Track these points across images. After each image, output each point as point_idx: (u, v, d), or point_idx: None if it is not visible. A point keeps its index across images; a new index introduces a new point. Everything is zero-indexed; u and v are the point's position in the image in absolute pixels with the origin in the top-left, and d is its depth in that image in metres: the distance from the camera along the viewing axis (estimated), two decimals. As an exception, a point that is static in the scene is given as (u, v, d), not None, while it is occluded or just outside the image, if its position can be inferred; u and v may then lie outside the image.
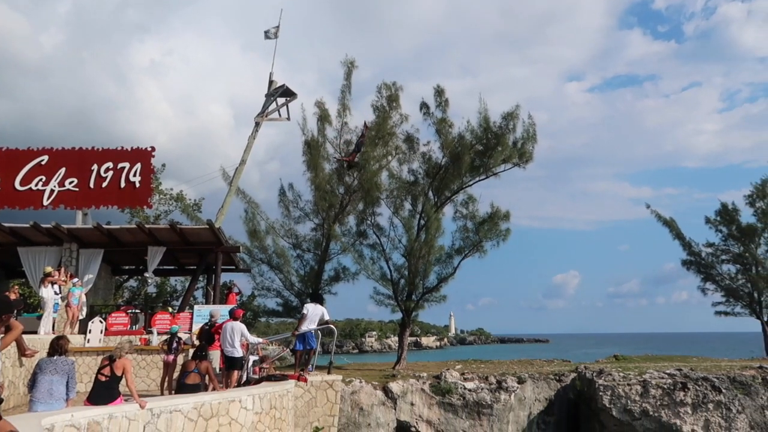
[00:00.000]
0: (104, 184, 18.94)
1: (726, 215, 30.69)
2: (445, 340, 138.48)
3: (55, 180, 18.79)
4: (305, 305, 13.93)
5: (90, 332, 15.44)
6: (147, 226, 18.42)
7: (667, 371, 20.24)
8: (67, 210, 19.13)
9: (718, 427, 18.60)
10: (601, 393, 19.60)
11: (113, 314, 17.09)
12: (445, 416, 19.84)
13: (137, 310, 18.90)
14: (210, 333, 12.68)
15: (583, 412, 21.19)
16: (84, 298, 16.46)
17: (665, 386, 19.29)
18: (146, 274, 19.38)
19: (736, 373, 20.26)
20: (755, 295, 29.79)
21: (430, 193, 24.69)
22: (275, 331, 24.90)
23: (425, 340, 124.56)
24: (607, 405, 19.36)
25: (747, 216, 30.23)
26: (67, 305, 15.49)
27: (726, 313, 31.21)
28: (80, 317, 16.21)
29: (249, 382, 12.02)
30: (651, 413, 18.88)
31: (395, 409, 19.43)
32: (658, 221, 31.75)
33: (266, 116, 23.01)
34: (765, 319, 29.66)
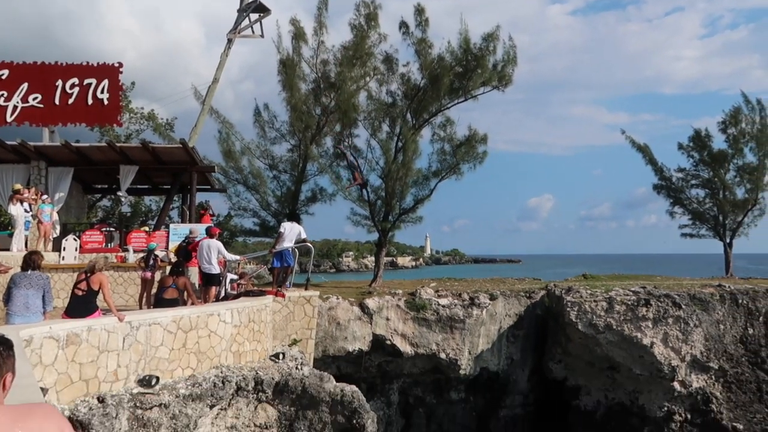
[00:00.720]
0: (70, 101, 18.26)
1: (698, 141, 31.10)
2: (421, 260, 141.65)
3: (18, 95, 18.03)
4: (282, 224, 14.02)
5: (64, 249, 15.38)
6: (118, 144, 17.98)
7: (632, 289, 21.13)
8: (33, 127, 18.52)
9: (675, 339, 19.69)
10: (568, 309, 20.46)
11: (87, 232, 16.98)
12: (419, 330, 20.60)
13: (111, 229, 18.80)
14: (187, 250, 12.74)
15: (550, 326, 22.19)
16: (56, 216, 16.27)
17: (629, 302, 20.19)
18: (119, 193, 19.15)
19: (696, 291, 21.25)
20: (720, 218, 30.79)
21: (408, 115, 24.37)
22: (252, 251, 25.10)
23: (401, 260, 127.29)
24: (574, 320, 20.27)
25: (719, 142, 30.71)
26: (39, 222, 15.33)
27: (692, 236, 32.34)
28: (54, 235, 16.08)
29: (227, 298, 12.24)
30: (614, 327, 19.86)
31: (371, 324, 20.08)
32: (632, 147, 32.08)
33: (239, 33, 22.07)
34: (727, 240, 30.83)
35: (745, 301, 21.41)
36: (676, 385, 19.73)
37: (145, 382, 8.66)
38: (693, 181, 31.69)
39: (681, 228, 32.59)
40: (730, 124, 30.33)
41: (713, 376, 20.24)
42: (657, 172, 32.11)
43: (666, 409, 19.96)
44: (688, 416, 19.83)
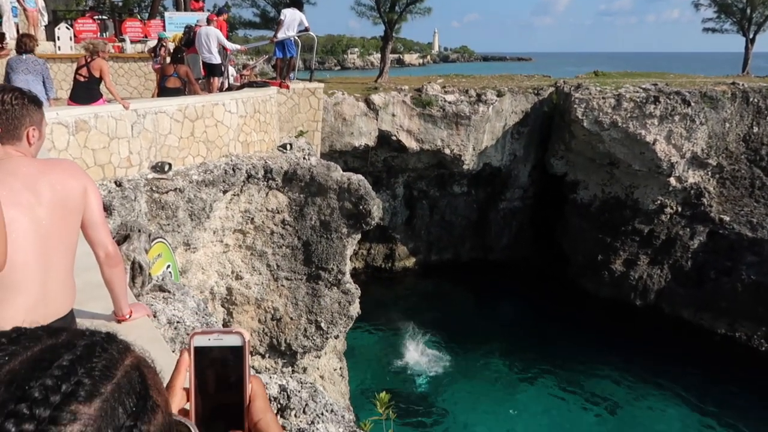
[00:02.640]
0: None
1: None
2: (428, 57, 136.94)
3: None
4: (283, 11, 13.26)
5: (59, 39, 14.82)
6: None
7: (643, 86, 20.66)
8: None
9: (679, 137, 19.82)
10: (575, 106, 20.28)
11: (79, 20, 16.19)
12: (425, 126, 20.72)
13: (104, 17, 17.90)
14: (190, 39, 12.29)
15: (556, 123, 22.22)
16: (41, 2, 15.38)
17: (638, 99, 19.91)
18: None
19: (708, 89, 20.78)
20: (748, 11, 28.89)
21: None
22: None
23: (408, 58, 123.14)
24: (580, 117, 20.21)
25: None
26: (24, 10, 14.54)
27: (714, 30, 30.74)
28: (42, 23, 15.36)
29: (231, 89, 12.10)
30: (619, 124, 19.87)
31: (377, 120, 20.13)
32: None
33: None
34: (750, 36, 29.31)
35: (756, 100, 21.06)
36: (672, 180, 20.35)
37: (159, 168, 8.97)
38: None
39: (704, 22, 30.91)
40: None
41: (710, 173, 20.78)
42: (689, -41, 29.34)
43: (659, 202, 20.88)
44: (679, 209, 20.81)
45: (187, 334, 4.92)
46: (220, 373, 0.94)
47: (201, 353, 0.93)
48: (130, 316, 3.24)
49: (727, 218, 20.11)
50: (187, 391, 0.94)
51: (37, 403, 0.61)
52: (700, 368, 17.62)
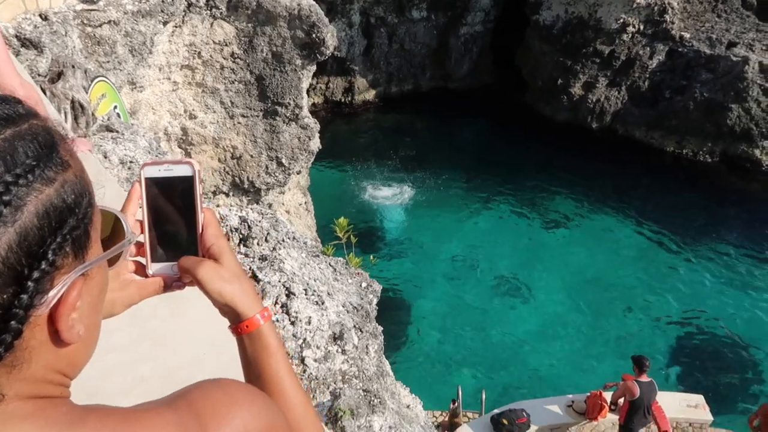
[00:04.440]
0: None
1: None
2: None
3: None
4: None
5: None
6: None
7: None
8: None
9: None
10: None
11: None
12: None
13: None
14: None
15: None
16: None
17: None
18: None
19: None
20: None
21: None
22: None
23: None
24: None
25: None
26: None
27: None
28: None
29: None
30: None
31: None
32: None
33: None
34: None
35: None
36: (637, -4, 19.67)
37: (86, -3, 8.12)
38: None
39: None
40: None
41: (675, -13, 20.08)
42: None
43: (621, 20, 20.36)
44: (641, 27, 20.40)
45: (142, 173, 4.82)
46: (172, 202, 0.94)
47: (152, 184, 0.93)
48: None
49: (687, 35, 19.90)
50: (140, 222, 0.94)
51: None
52: (649, 185, 18.68)
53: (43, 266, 0.63)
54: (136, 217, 0.94)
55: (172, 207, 0.94)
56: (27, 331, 0.63)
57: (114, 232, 0.85)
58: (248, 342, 0.95)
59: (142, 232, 0.94)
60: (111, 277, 0.84)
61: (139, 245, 0.95)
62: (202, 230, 0.94)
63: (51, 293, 0.65)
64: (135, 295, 0.94)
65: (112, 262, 0.83)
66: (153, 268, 0.95)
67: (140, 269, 0.95)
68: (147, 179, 0.93)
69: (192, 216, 0.94)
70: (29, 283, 0.62)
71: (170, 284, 0.96)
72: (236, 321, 0.95)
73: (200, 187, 0.95)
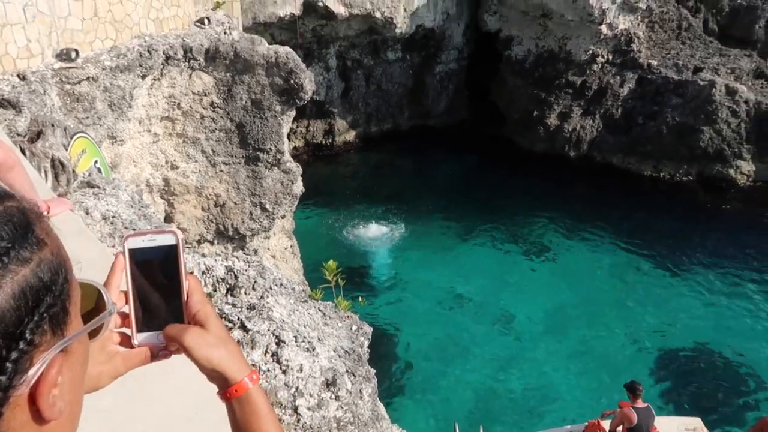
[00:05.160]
0: None
1: None
2: None
3: None
4: None
5: None
6: None
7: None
8: None
9: (610, -18, 19.48)
10: (506, -45, 19.41)
11: None
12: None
13: None
14: None
15: (487, -24, 21.34)
16: None
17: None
18: None
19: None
20: None
21: None
22: None
23: None
24: (511, -33, 19.43)
25: None
26: None
27: None
28: None
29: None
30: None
31: (299, -14, 18.78)
32: None
33: None
34: None
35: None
36: (604, 28, 20.34)
37: (65, 56, 8.19)
38: None
39: None
40: None
41: (639, 17, 20.82)
42: None
43: (590, 52, 20.99)
44: (610, 57, 21.04)
45: (125, 228, 4.79)
46: (156, 272, 0.94)
47: (136, 255, 0.93)
48: (48, 213, 3.04)
49: (654, 62, 20.54)
50: (125, 293, 0.94)
51: None
52: (629, 209, 18.93)
53: (21, 346, 0.61)
54: (120, 289, 0.94)
55: (157, 277, 0.94)
56: (8, 413, 0.61)
57: (98, 304, 0.85)
58: (238, 407, 0.94)
59: (127, 302, 0.93)
60: (96, 349, 0.84)
61: (125, 316, 0.94)
62: (187, 297, 0.94)
63: (30, 372, 0.63)
64: (121, 366, 0.93)
65: (94, 334, 0.82)
66: (139, 338, 0.94)
67: (126, 340, 0.94)
68: (130, 250, 0.93)
69: (177, 284, 0.94)
70: (8, 365, 0.60)
71: (157, 353, 0.96)
72: (224, 386, 0.94)
73: (184, 255, 0.95)
